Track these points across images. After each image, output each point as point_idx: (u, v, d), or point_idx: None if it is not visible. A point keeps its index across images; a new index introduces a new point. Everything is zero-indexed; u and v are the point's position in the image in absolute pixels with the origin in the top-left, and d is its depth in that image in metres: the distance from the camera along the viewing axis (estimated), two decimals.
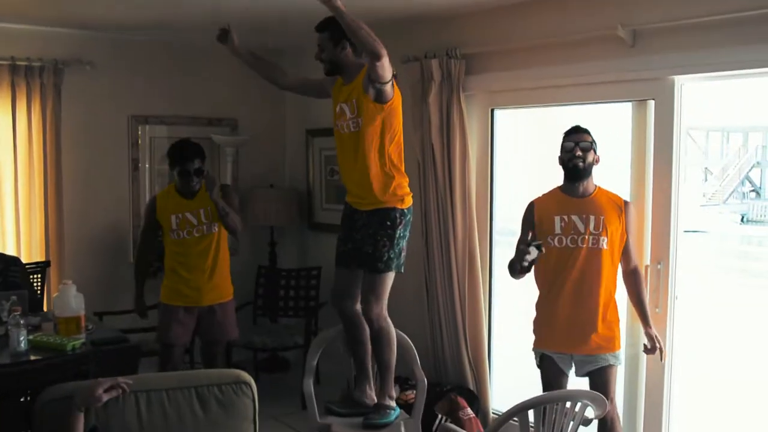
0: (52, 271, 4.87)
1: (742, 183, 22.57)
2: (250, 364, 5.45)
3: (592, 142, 3.46)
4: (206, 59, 5.53)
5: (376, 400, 3.67)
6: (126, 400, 2.58)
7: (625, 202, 3.49)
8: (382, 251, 3.39)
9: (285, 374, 5.72)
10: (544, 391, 3.56)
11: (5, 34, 4.68)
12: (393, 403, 3.60)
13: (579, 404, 2.99)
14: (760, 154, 22.64)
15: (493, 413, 4.52)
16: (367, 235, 3.42)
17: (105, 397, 2.52)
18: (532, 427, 2.89)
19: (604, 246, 3.39)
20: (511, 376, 4.75)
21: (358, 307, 3.60)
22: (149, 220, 4.23)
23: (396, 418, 3.56)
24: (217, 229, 4.19)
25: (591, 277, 3.41)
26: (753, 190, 22.72)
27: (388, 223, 3.39)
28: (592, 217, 3.40)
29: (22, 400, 3.23)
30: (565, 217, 3.43)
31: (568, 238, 3.42)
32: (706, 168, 22.60)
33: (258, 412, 2.79)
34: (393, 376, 3.63)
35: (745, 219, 20.16)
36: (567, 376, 3.54)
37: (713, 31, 3.37)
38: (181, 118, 5.40)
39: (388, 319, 3.56)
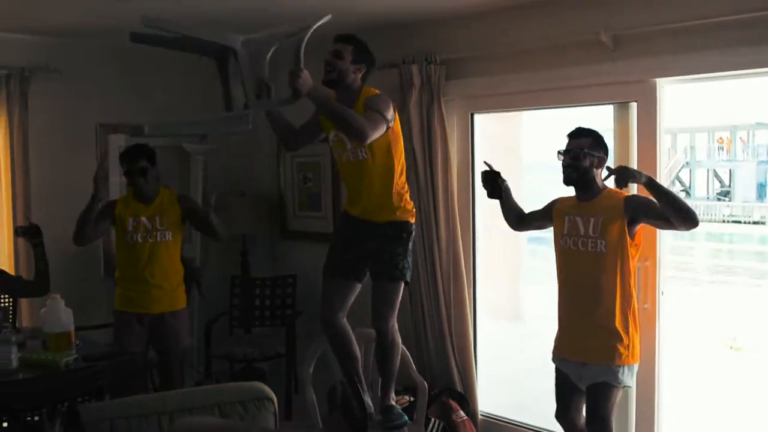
0: None
1: (673, 183, 23.32)
2: (226, 375, 5.34)
3: (593, 144, 3.38)
4: (177, 66, 5.38)
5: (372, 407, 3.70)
6: (149, 422, 2.51)
7: (626, 198, 3.37)
8: (398, 259, 3.48)
9: None
10: (557, 402, 3.57)
11: None
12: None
13: None
14: (689, 154, 23.46)
15: (481, 415, 4.56)
16: (385, 243, 3.48)
17: None
18: None
19: (603, 249, 3.33)
20: (496, 378, 4.80)
21: (345, 320, 3.64)
22: (106, 212, 4.15)
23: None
24: (171, 238, 4.17)
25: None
26: (683, 190, 23.49)
27: (404, 235, 3.51)
28: (591, 219, 3.36)
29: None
30: (571, 218, 3.44)
31: (570, 240, 3.44)
32: None
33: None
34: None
35: None
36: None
37: (694, 35, 3.49)
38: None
39: (397, 331, 3.64)
